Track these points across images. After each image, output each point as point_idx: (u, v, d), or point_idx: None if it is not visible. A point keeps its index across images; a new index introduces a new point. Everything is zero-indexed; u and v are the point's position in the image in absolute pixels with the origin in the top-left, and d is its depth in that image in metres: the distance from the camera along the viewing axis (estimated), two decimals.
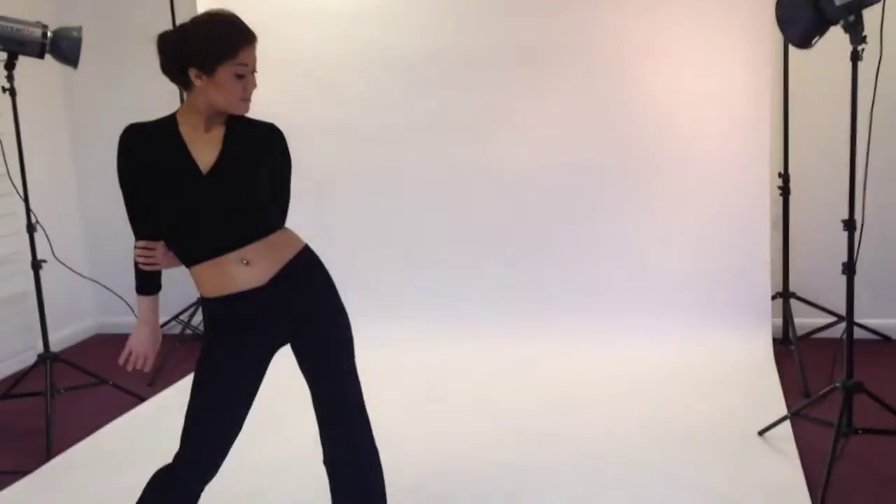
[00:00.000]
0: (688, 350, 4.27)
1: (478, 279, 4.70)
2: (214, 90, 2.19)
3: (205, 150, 2.24)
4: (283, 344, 2.37)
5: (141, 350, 2.38)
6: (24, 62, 3.79)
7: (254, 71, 2.24)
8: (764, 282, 4.37)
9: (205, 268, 2.27)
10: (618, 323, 4.46)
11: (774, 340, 4.35)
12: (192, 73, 2.18)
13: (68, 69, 3.94)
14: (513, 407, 3.83)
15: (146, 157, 2.24)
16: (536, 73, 4.51)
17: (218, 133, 2.27)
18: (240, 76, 2.19)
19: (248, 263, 2.24)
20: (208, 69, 2.17)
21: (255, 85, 2.25)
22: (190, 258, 2.30)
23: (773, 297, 4.39)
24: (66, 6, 4.89)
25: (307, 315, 2.32)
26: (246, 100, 2.24)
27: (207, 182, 2.21)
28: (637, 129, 4.44)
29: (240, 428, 2.32)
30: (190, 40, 2.18)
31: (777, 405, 3.67)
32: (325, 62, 4.71)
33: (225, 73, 2.18)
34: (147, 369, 2.42)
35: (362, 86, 4.69)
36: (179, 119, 2.28)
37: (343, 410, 2.34)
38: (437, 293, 4.72)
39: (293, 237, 2.36)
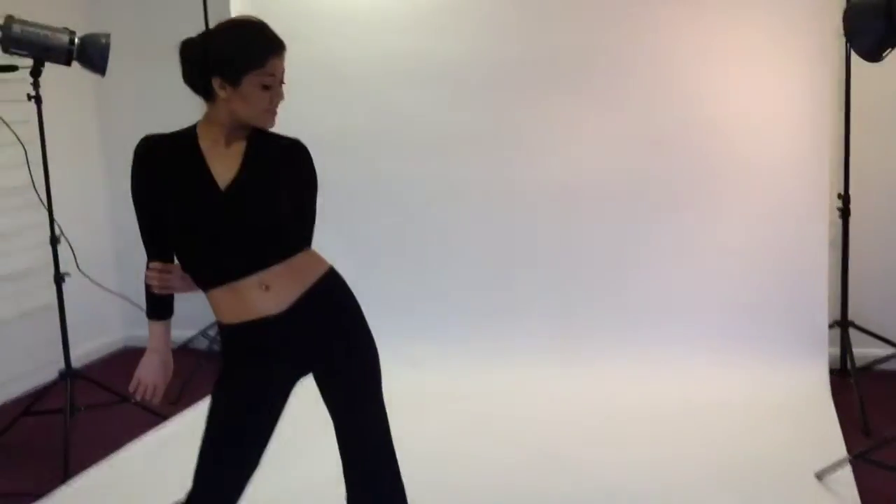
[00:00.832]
0: (737, 381, 4.02)
1: (513, 300, 4.49)
2: (239, 101, 2.04)
3: (224, 166, 2.08)
4: (303, 374, 2.20)
5: (150, 379, 2.22)
6: (54, 70, 3.69)
7: (282, 83, 2.08)
8: (821, 309, 4.11)
9: (221, 292, 2.11)
10: (661, 350, 4.22)
11: (831, 372, 4.09)
12: (216, 82, 2.03)
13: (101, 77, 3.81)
14: (547, 439, 3.62)
15: (162, 171, 2.09)
16: (579, 82, 4.31)
17: (239, 148, 2.11)
18: (266, 87, 2.04)
19: (267, 288, 2.08)
20: (234, 79, 2.02)
21: (282, 97, 2.09)
22: (206, 281, 2.14)
23: (831, 326, 4.14)
24: (97, 13, 4.79)
25: (330, 345, 2.14)
26: (272, 112, 2.08)
27: (225, 199, 2.05)
28: (686, 144, 4.21)
29: (255, 465, 2.16)
30: (215, 48, 2.04)
31: (835, 444, 3.42)
32: (356, 70, 4.54)
33: (251, 83, 2.02)
34: (157, 401, 2.26)
35: (394, 94, 4.52)
36: (199, 132, 2.13)
37: (367, 454, 2.17)
38: (470, 314, 4.51)
39: (316, 259, 2.19)
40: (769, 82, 4.08)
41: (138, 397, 2.23)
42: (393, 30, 4.48)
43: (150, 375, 2.22)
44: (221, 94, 2.04)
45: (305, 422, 2.77)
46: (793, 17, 4.00)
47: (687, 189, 4.23)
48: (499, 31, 4.38)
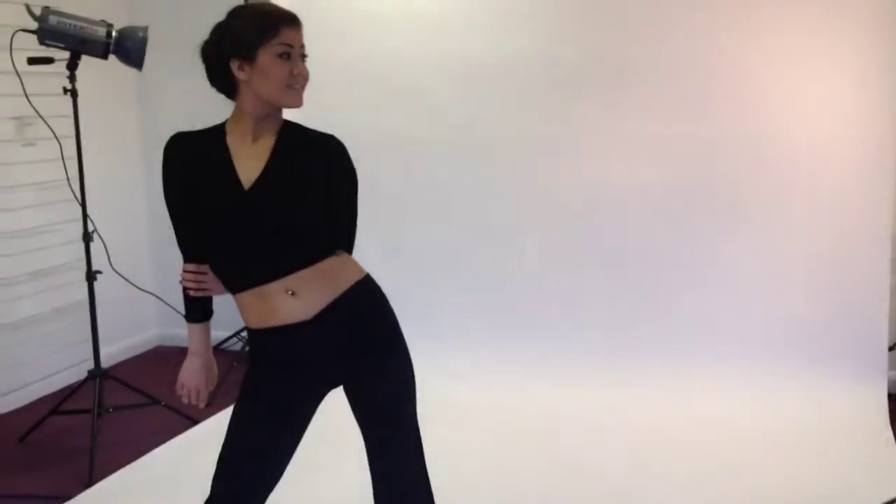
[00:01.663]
0: (789, 405, 3.82)
1: (552, 313, 4.33)
2: (259, 79, 1.92)
3: (250, 163, 1.97)
4: (332, 387, 2.08)
5: (192, 383, 2.13)
6: (95, 64, 3.62)
7: (304, 56, 1.96)
8: (881, 330, 3.89)
9: (247, 296, 2.00)
10: (708, 370, 4.03)
11: (890, 397, 3.87)
12: (235, 65, 1.93)
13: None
14: (584, 457, 3.45)
15: (189, 169, 1.99)
16: (632, 86, 4.13)
17: (267, 143, 1.99)
18: (283, 56, 1.91)
19: (293, 294, 1.95)
20: (249, 55, 1.91)
21: (305, 74, 1.95)
22: (231, 284, 2.02)
23: (891, 349, 3.93)
24: (138, 6, 4.74)
25: (361, 357, 2.01)
26: (293, 87, 1.94)
27: (248, 198, 1.93)
28: (742, 153, 4.01)
29: (276, 480, 2.05)
30: (227, 32, 1.94)
31: (893, 473, 3.21)
32: (400, 72, 4.41)
33: (267, 55, 1.91)
34: (202, 405, 2.16)
35: (438, 96, 4.38)
36: (228, 128, 2.02)
37: (399, 474, 2.04)
38: (507, 325, 4.36)
39: (350, 265, 2.06)
40: (830, 89, 3.88)
41: (184, 401, 2.14)
42: (438, 33, 4.35)
43: (192, 379, 2.13)
44: (241, 76, 1.94)
45: (332, 435, 2.65)
46: (857, 20, 3.79)
47: (737, 202, 4.05)
48: (544, 35, 4.23)
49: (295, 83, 1.94)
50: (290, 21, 1.94)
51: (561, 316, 4.31)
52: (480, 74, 4.32)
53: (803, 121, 3.93)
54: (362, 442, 2.07)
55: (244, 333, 4.69)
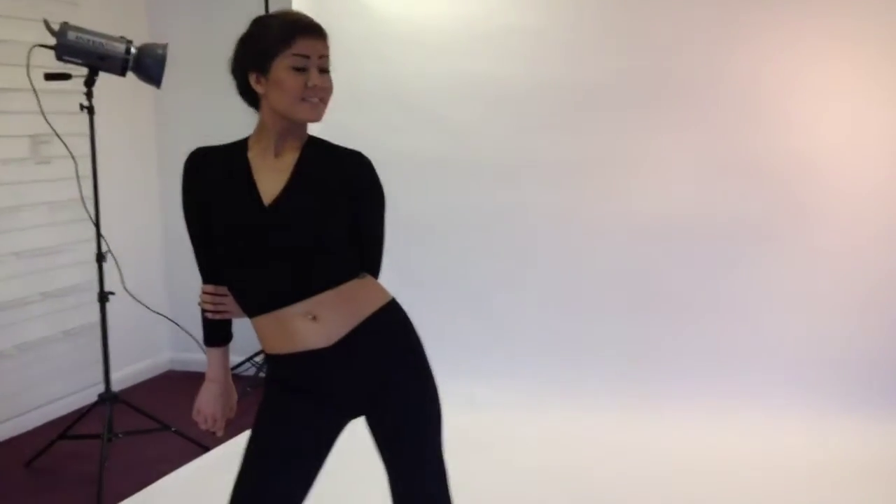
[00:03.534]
0: (826, 438, 3.67)
1: (581, 342, 4.21)
2: (274, 92, 1.82)
3: (271, 178, 1.87)
4: (353, 417, 1.97)
5: (209, 410, 2.03)
6: (113, 81, 3.56)
7: (324, 70, 1.83)
8: None
9: (265, 320, 1.90)
10: (744, 402, 3.89)
11: None
12: (252, 78, 1.84)
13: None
14: (614, 491, 3.31)
15: (209, 184, 1.90)
16: (660, 111, 4.04)
17: (290, 159, 1.90)
18: (298, 69, 1.80)
19: (314, 318, 1.85)
20: (264, 66, 1.82)
21: (325, 86, 1.83)
22: (249, 307, 1.92)
23: None
24: (157, 23, 4.69)
25: (384, 386, 1.91)
26: (309, 101, 1.82)
27: (268, 215, 1.83)
28: (780, 181, 3.91)
29: None
30: (246, 42, 1.86)
31: None
32: (423, 92, 4.33)
33: (281, 67, 1.81)
34: (219, 433, 2.06)
35: (465, 119, 4.30)
36: (250, 143, 1.93)
37: None
38: (534, 355, 4.25)
39: (375, 288, 1.95)
40: (874, 114, 3.78)
41: (202, 427, 2.05)
42: (462, 52, 4.28)
43: (209, 406, 2.03)
44: (259, 90, 1.85)
45: (353, 466, 2.54)
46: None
47: (779, 229, 3.94)
48: (572, 56, 4.14)
49: (311, 96, 1.82)
50: (308, 30, 1.83)
51: (583, 343, 4.20)
52: (501, 97, 4.24)
53: (841, 149, 3.84)
54: (384, 474, 1.96)
55: (258, 358, 4.59)
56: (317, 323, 1.85)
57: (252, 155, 1.90)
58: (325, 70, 1.84)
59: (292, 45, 1.81)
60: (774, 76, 3.88)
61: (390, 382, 1.91)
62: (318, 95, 1.83)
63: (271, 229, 1.83)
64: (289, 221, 1.83)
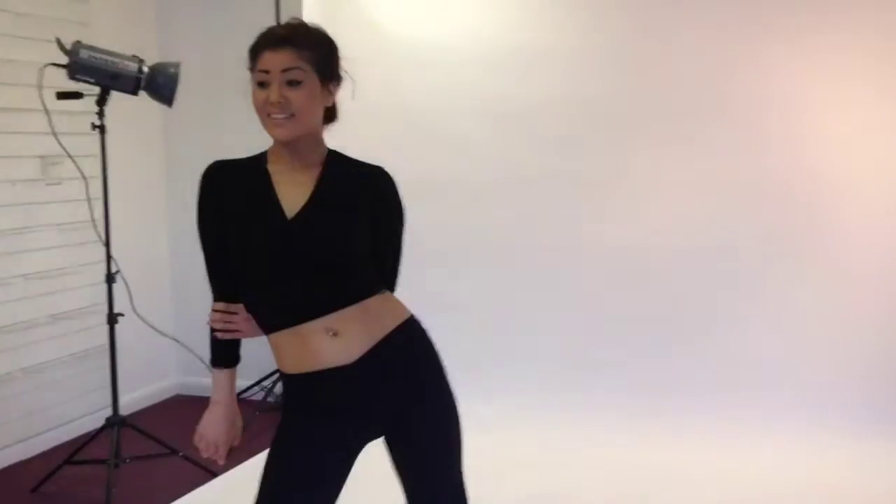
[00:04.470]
0: (842, 460, 3.60)
1: (592, 364, 4.13)
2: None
3: (294, 193, 1.83)
4: (374, 437, 1.91)
5: (212, 436, 1.94)
6: (118, 101, 3.53)
7: (294, 82, 1.77)
8: None
9: (284, 337, 1.84)
10: (756, 424, 3.83)
11: None
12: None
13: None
14: None
15: (228, 197, 1.86)
16: (670, 127, 4.02)
17: (312, 174, 1.86)
18: (261, 84, 1.78)
19: (335, 334, 1.80)
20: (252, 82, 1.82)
21: (281, 101, 1.76)
22: (267, 323, 1.87)
23: None
24: (167, 43, 4.67)
25: (406, 404, 1.85)
26: (271, 118, 1.77)
27: (290, 229, 1.79)
28: (791, 201, 3.88)
29: None
30: None
31: None
32: (432, 109, 4.30)
33: (252, 83, 1.80)
34: (221, 461, 1.97)
35: (472, 136, 4.27)
36: (270, 156, 1.89)
37: None
38: (545, 377, 4.17)
39: (395, 304, 1.92)
40: (883, 129, 3.75)
41: (204, 455, 1.96)
42: (469, 72, 4.26)
43: (212, 431, 1.94)
44: None
45: (369, 490, 2.47)
46: None
47: (792, 253, 3.90)
48: (581, 73, 4.13)
49: (273, 112, 1.77)
50: (271, 43, 1.78)
51: (587, 361, 4.14)
52: (509, 114, 4.21)
53: (854, 168, 3.81)
54: (402, 498, 1.91)
55: (266, 383, 4.52)
56: (338, 339, 1.80)
57: (272, 168, 1.87)
58: (294, 82, 1.77)
59: (258, 60, 1.79)
60: (785, 92, 3.86)
61: (413, 400, 1.86)
62: (280, 111, 1.77)
63: (295, 242, 1.79)
64: (312, 235, 1.79)
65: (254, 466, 3.68)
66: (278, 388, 4.54)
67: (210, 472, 3.70)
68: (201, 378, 4.46)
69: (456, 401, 1.91)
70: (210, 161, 1.91)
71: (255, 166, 1.88)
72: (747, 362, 3.95)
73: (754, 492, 3.42)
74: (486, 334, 4.30)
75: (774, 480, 3.51)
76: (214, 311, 1.93)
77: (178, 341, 4.17)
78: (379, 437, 1.90)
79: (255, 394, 4.51)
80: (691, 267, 4.02)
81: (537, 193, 4.23)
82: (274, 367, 4.39)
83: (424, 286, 4.29)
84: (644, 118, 4.06)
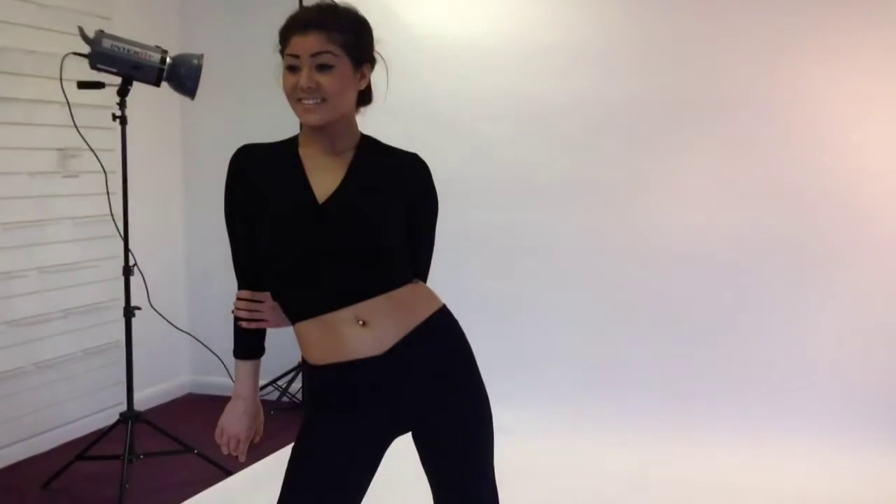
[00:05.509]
0: (862, 471, 3.53)
1: (614, 368, 4.07)
2: None
3: (325, 177, 1.78)
4: (403, 431, 1.84)
5: (233, 431, 1.88)
6: (138, 91, 3.49)
7: (324, 67, 1.72)
8: None
9: (311, 325, 1.78)
10: (780, 433, 3.75)
11: None
12: None
13: (186, 100, 3.59)
14: None
15: (257, 181, 1.80)
16: (693, 130, 3.94)
17: (345, 159, 1.81)
18: (291, 68, 1.73)
19: (364, 324, 1.74)
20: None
21: (312, 86, 1.72)
22: (295, 311, 1.81)
23: None
24: (190, 35, 4.63)
25: (438, 399, 1.79)
26: (301, 103, 1.73)
27: (321, 213, 1.74)
28: (819, 201, 3.79)
29: None
30: None
31: None
32: (456, 110, 4.25)
33: (284, 67, 1.76)
34: (242, 457, 1.91)
35: (495, 135, 4.21)
36: (301, 140, 1.84)
37: None
38: (566, 381, 4.10)
39: (427, 294, 1.86)
40: None
41: (224, 451, 1.90)
42: (492, 72, 4.20)
43: (233, 426, 1.88)
44: None
45: (396, 487, 2.41)
46: None
47: (819, 254, 3.81)
48: (606, 73, 4.06)
49: (303, 97, 1.73)
50: (300, 28, 1.73)
51: (611, 368, 4.07)
52: (533, 114, 4.15)
53: (885, 169, 3.73)
54: (429, 496, 1.85)
55: (281, 382, 4.47)
56: (367, 329, 1.74)
57: (304, 152, 1.82)
58: (325, 66, 1.73)
59: (287, 44, 1.75)
60: (814, 94, 3.79)
61: (444, 393, 1.80)
62: (311, 96, 1.73)
63: (325, 227, 1.73)
64: (344, 221, 1.74)
65: (267, 466, 3.67)
66: (293, 387, 4.48)
67: (225, 470, 3.65)
68: (214, 377, 4.42)
69: (487, 395, 1.86)
70: (228, 152, 1.86)
71: (286, 150, 1.83)
72: (780, 370, 3.87)
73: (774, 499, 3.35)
74: (507, 337, 4.23)
75: (811, 491, 3.45)
76: (239, 298, 1.87)
77: (193, 336, 4.12)
78: (407, 431, 1.84)
79: (269, 393, 4.45)
80: (720, 272, 3.94)
81: (559, 195, 4.16)
82: (289, 365, 4.43)
83: (441, 283, 4.25)
84: (670, 120, 3.98)
